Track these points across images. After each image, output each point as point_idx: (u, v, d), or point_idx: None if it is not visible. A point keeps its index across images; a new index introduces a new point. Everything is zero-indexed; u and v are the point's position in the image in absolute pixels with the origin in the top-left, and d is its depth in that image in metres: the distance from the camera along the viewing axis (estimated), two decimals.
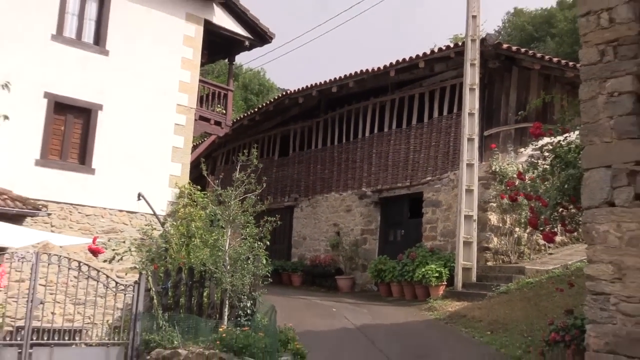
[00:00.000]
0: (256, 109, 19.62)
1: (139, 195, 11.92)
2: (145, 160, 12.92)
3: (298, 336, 8.38)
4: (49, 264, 8.54)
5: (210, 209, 9.86)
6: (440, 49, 14.31)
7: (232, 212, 9.13)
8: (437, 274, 12.38)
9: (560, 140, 7.79)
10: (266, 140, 20.02)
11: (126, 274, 11.02)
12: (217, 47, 15.41)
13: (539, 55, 13.82)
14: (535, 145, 8.49)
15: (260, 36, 14.99)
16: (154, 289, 9.00)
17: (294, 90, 17.76)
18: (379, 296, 13.79)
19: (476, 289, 11.83)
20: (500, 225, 13.08)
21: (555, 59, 13.78)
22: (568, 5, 27.66)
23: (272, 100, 19.16)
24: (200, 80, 14.23)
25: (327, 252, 16.73)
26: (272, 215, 9.11)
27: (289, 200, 18.41)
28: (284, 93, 18.50)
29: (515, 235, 13.14)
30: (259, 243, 9.04)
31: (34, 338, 8.30)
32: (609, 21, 5.77)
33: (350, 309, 11.91)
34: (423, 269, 12.51)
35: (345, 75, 16.10)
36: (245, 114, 20.39)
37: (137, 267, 10.06)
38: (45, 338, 8.52)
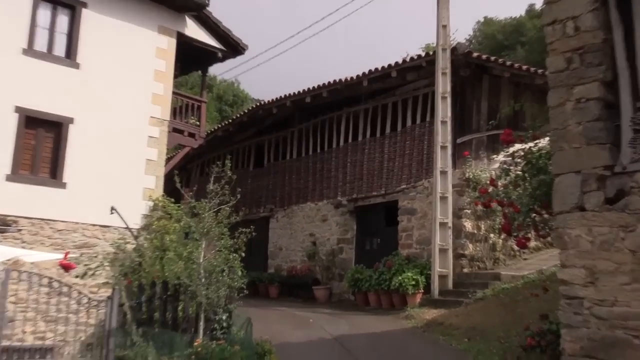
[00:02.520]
0: (230, 120, 19.56)
1: (112, 208, 11.75)
2: (118, 174, 12.75)
3: (275, 348, 8.28)
4: (19, 281, 8.32)
5: (185, 221, 9.75)
6: (412, 59, 14.39)
7: (207, 224, 9.03)
8: (413, 282, 12.37)
9: (531, 147, 7.85)
10: (241, 151, 19.92)
11: (99, 289, 10.83)
12: (191, 59, 15.31)
13: (508, 63, 13.97)
14: (507, 152, 8.57)
15: (233, 47, 14.95)
16: (127, 304, 8.84)
17: (268, 101, 17.73)
18: (357, 305, 13.74)
19: (453, 296, 11.85)
20: (475, 231, 13.15)
21: (524, 67, 13.94)
22: (537, 14, 28.13)
23: (246, 111, 19.11)
24: (173, 92, 14.12)
25: (303, 263, 16.64)
26: (248, 226, 9.05)
27: (265, 211, 18.33)
28: (258, 104, 18.49)
29: (490, 242, 13.21)
30: (234, 255, 8.95)
31: (4, 358, 8.07)
32: (574, 29, 5.84)
33: (328, 319, 11.84)
34: (400, 277, 12.51)
35: (318, 86, 16.12)
36: (220, 125, 20.32)
37: (110, 281, 9.88)
38: (16, 358, 8.29)
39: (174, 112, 14.42)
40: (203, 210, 9.06)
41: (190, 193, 9.75)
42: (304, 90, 16.50)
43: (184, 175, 21.01)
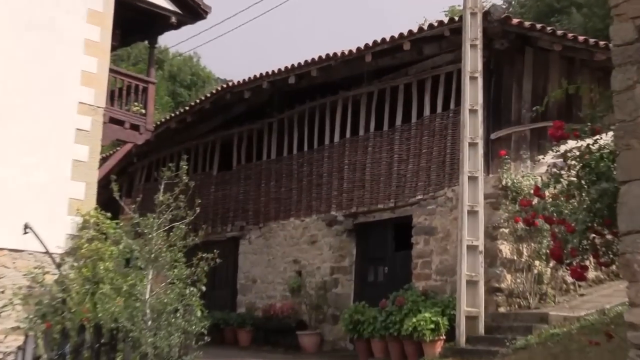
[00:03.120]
0: (187, 107, 19.61)
1: (26, 226, 11.69)
2: (35, 179, 12.63)
3: None
4: None
5: (125, 243, 9.72)
6: (431, 26, 14.46)
7: (155, 248, 9.01)
8: (432, 326, 12.38)
9: (589, 144, 7.71)
10: (201, 148, 19.93)
11: (6, 337, 10.76)
12: (134, 25, 15.32)
13: (560, 32, 14.08)
14: (557, 151, 8.50)
15: (192, 10, 14.98)
16: (45, 356, 8.78)
17: (239, 82, 17.77)
18: (356, 357, 13.73)
19: (485, 344, 11.85)
20: (515, 257, 13.21)
21: (581, 38, 14.09)
22: None
23: (209, 95, 19.14)
24: (110, 70, 14.08)
25: (285, 299, 16.68)
26: (210, 250, 9.04)
27: (233, 229, 18.36)
28: (225, 85, 18.54)
29: (535, 271, 13.25)
30: (191, 289, 8.92)
31: None
32: None
33: None
34: (414, 319, 12.51)
35: (306, 62, 16.19)
36: (173, 114, 20.40)
37: (23, 326, 9.82)
38: None
39: (112, 97, 14.35)
40: (150, 229, 9.04)
41: (133, 206, 9.74)
42: (286, 67, 16.56)
43: (125, 181, 20.97)
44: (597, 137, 7.65)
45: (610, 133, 6.90)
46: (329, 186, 16.53)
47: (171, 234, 9.35)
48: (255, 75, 17.36)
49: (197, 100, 19.60)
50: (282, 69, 16.69)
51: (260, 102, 18.27)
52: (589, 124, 7.81)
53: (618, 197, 5.95)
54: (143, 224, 9.13)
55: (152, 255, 8.87)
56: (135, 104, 14.94)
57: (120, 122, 14.49)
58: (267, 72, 17.06)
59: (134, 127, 14.76)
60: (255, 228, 18.02)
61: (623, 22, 5.93)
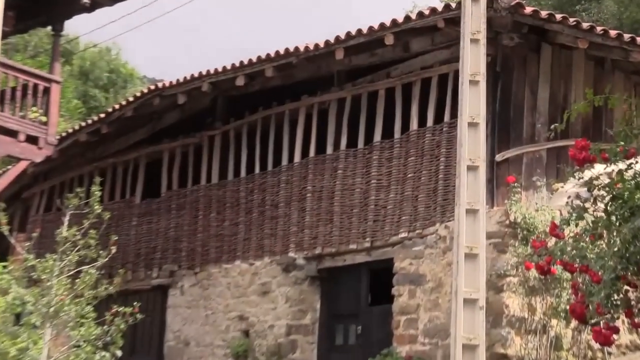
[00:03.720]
0: (103, 115, 19.31)
1: None
2: None
3: None
4: None
5: (15, 293, 9.66)
6: (420, 14, 14.44)
7: (55, 299, 8.96)
8: None
9: (621, 170, 7.73)
10: (120, 169, 19.75)
11: None
12: (34, 5, 15.29)
13: (586, 25, 14.02)
14: (581, 177, 8.58)
15: None
16: None
17: (171, 83, 17.66)
18: None
19: None
20: (526, 315, 13.20)
21: (613, 32, 13.98)
22: None
23: (131, 99, 18.91)
24: (0, 64, 14.01)
25: None
26: (130, 302, 9.03)
27: (161, 275, 18.17)
28: (154, 87, 18.35)
29: (552, 333, 13.21)
30: (103, 354, 8.90)
31: None
32: None
33: None
34: None
35: (259, 58, 16.12)
36: (84, 123, 20.05)
37: None
38: None
39: (1, 99, 14.34)
40: (49, 275, 9.00)
41: (27, 243, 9.68)
42: (233, 65, 16.47)
43: (18, 210, 20.68)
44: (632, 161, 7.63)
45: None
46: (287, 220, 16.37)
47: (78, 280, 9.28)
48: (193, 75, 17.15)
49: (116, 106, 19.22)
50: (228, 67, 16.53)
51: (199, 109, 18.09)
52: (621, 143, 7.79)
53: None
54: (40, 267, 9.05)
55: (51, 310, 8.80)
56: (34, 109, 14.90)
57: (12, 133, 14.43)
58: (208, 71, 16.84)
59: (31, 140, 14.69)
60: (189, 274, 17.75)
61: None
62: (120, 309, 9.23)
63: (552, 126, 11.40)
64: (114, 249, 9.40)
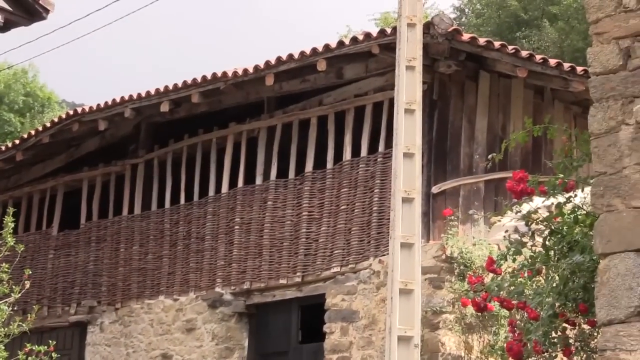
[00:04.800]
0: (18, 141, 19.11)
1: None
2: None
3: None
4: None
5: None
6: (354, 40, 14.47)
7: None
8: None
9: (560, 203, 7.86)
10: (36, 199, 19.50)
11: None
12: None
13: (525, 53, 14.09)
14: (518, 211, 8.58)
15: (27, 7, 14.73)
16: None
17: (91, 108, 17.50)
18: None
19: None
20: (463, 354, 13.23)
21: (553, 61, 14.11)
22: None
23: (49, 124, 18.74)
24: None
25: None
26: (45, 340, 8.85)
27: (79, 311, 17.89)
28: (73, 112, 18.17)
29: None
30: None
31: None
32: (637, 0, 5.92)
33: None
34: None
35: (185, 83, 16.03)
36: None
37: None
38: None
39: None
40: None
41: None
42: (157, 90, 16.37)
43: None
44: (571, 194, 7.78)
45: (588, 189, 6.94)
46: (214, 253, 16.28)
47: None
48: (114, 100, 16.98)
49: (33, 132, 18.95)
50: (152, 91, 16.42)
51: (122, 136, 17.97)
52: (560, 176, 7.92)
53: (597, 274, 5.97)
54: None
55: None
56: None
57: None
58: (130, 96, 16.70)
59: None
60: (109, 310, 17.52)
61: (604, 43, 6.00)
62: (35, 347, 9.09)
63: (490, 156, 11.43)
64: (28, 284, 9.29)
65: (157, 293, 17.00)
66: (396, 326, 12.35)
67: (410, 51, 12.96)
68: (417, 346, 12.30)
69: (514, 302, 8.24)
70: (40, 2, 14.69)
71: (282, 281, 15.26)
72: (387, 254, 12.64)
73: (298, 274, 15.05)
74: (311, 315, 14.90)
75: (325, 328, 14.42)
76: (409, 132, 12.80)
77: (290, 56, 14.87)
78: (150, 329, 16.92)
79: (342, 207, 14.74)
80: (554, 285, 7.72)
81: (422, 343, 12.25)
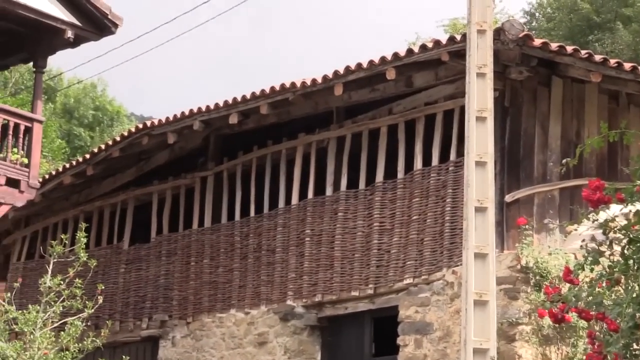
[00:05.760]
0: (88, 156, 19.23)
1: None
2: None
3: None
4: None
5: None
6: (423, 47, 14.44)
7: (39, 353, 8.95)
8: None
9: (638, 210, 7.37)
10: (107, 213, 19.65)
11: None
12: (14, 40, 15.31)
13: (599, 57, 14.04)
14: (595, 219, 8.54)
15: (96, 22, 14.96)
16: None
17: (160, 121, 17.61)
18: None
19: None
20: None
21: (628, 65, 14.02)
22: None
23: (118, 138, 18.86)
24: None
25: None
26: (118, 355, 9.02)
27: (151, 325, 17.98)
28: (142, 125, 18.23)
29: None
30: None
31: None
32: None
33: None
34: None
35: (253, 94, 16.09)
36: (68, 165, 20.01)
37: None
38: None
39: None
40: (32, 327, 8.98)
41: (8, 293, 9.67)
42: (226, 102, 16.44)
43: None
44: None
45: None
46: (285, 266, 16.27)
47: (62, 333, 9.26)
48: (183, 113, 17.05)
49: (103, 146, 19.07)
50: (221, 104, 16.46)
51: (191, 149, 18.17)
52: (638, 182, 7.43)
53: None
54: (22, 319, 9.04)
55: None
56: (14, 150, 14.91)
57: None
58: (200, 109, 16.75)
59: (12, 183, 14.64)
60: (181, 324, 17.56)
61: None
62: None
63: (564, 160, 11.33)
64: (100, 299, 9.39)
65: (229, 306, 17.03)
66: (471, 338, 12.29)
67: (480, 58, 12.87)
68: (493, 359, 12.33)
69: (593, 313, 7.71)
70: (109, 17, 14.92)
71: (354, 293, 15.22)
72: (461, 264, 12.73)
73: (370, 285, 15.02)
74: (384, 328, 14.86)
75: (399, 341, 14.38)
76: (480, 140, 12.72)
77: (359, 65, 14.91)
78: (222, 342, 16.95)
79: (414, 217, 14.71)
80: (634, 295, 7.27)
81: (498, 355, 12.22)
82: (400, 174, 15.14)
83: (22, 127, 15.04)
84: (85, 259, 9.53)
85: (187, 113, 17.16)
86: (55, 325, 9.21)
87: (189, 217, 18.34)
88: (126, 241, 19.24)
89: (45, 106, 24.25)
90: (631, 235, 7.35)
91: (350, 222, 15.63)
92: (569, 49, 13.96)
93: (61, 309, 9.34)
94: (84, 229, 10.34)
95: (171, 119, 17.41)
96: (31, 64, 16.73)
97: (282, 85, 15.80)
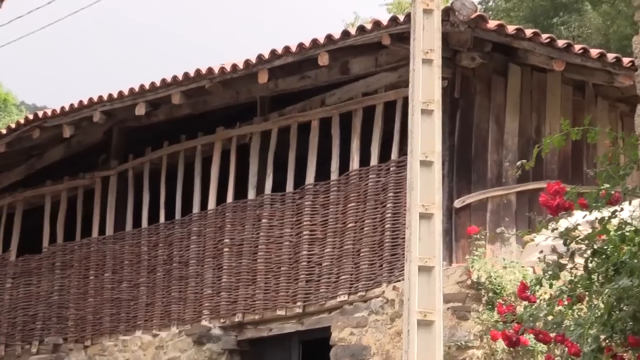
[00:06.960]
0: None
1: None
2: None
3: None
4: None
5: None
6: (361, 29, 14.35)
7: None
8: None
9: (604, 218, 7.76)
10: None
11: None
12: None
13: (561, 43, 14.03)
14: (555, 228, 8.30)
15: None
16: None
17: (54, 111, 17.36)
18: None
19: None
20: None
21: (595, 52, 14.02)
22: None
23: (5, 130, 18.62)
24: None
25: None
26: None
27: (42, 350, 17.66)
28: (33, 116, 18.09)
29: None
30: None
31: None
32: None
33: None
34: None
35: (164, 81, 15.89)
36: None
37: None
38: None
39: None
40: None
41: None
42: (132, 90, 16.20)
43: None
44: (617, 207, 7.64)
45: (637, 201, 7.12)
46: (199, 281, 16.14)
47: None
48: (82, 102, 16.80)
49: None
50: (126, 92, 16.33)
51: (90, 144, 17.99)
52: (604, 186, 7.72)
53: None
54: None
55: None
56: None
57: None
58: (100, 97, 16.59)
59: None
60: (77, 348, 17.29)
61: None
62: None
63: (519, 163, 11.11)
64: None
65: (134, 328, 16.89)
66: None
67: (427, 42, 12.57)
68: None
69: (552, 334, 8.05)
70: None
71: (280, 312, 15.19)
72: (403, 279, 12.37)
73: (298, 303, 14.99)
74: (314, 352, 14.96)
75: None
76: (426, 137, 12.39)
77: (287, 49, 14.84)
78: None
79: (350, 225, 14.70)
80: (598, 314, 7.65)
81: None
82: (334, 175, 15.15)
83: None
84: None
85: (85, 102, 16.92)
86: None
87: (87, 224, 18.13)
88: (13, 251, 19.10)
89: None
90: (595, 246, 7.65)
91: (276, 230, 15.67)
92: (528, 32, 14.05)
93: None
94: None
95: (67, 109, 17.12)
96: None
97: (198, 71, 15.64)
